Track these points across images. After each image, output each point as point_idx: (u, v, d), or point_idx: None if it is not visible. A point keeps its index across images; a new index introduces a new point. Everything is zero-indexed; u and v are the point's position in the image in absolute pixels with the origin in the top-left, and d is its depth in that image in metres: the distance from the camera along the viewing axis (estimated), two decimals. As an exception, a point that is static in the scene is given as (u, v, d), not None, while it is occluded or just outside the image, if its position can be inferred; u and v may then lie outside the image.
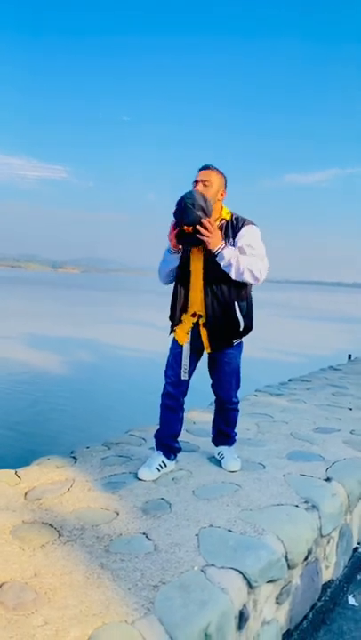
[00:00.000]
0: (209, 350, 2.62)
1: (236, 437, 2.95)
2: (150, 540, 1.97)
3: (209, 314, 2.54)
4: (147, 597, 1.60)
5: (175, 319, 2.66)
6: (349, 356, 8.99)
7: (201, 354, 2.71)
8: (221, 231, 2.50)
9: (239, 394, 2.87)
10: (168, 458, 2.69)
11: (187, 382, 2.68)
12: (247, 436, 3.39)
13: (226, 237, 2.50)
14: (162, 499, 2.36)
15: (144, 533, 2.02)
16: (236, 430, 2.93)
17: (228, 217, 2.56)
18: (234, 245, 2.49)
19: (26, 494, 2.34)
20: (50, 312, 27.04)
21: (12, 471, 2.60)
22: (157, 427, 2.77)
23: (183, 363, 2.62)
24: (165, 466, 2.66)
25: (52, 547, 1.88)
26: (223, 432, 2.88)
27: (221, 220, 2.55)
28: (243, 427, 3.62)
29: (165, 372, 2.71)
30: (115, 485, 2.47)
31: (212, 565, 1.79)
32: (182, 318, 2.64)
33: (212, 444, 2.98)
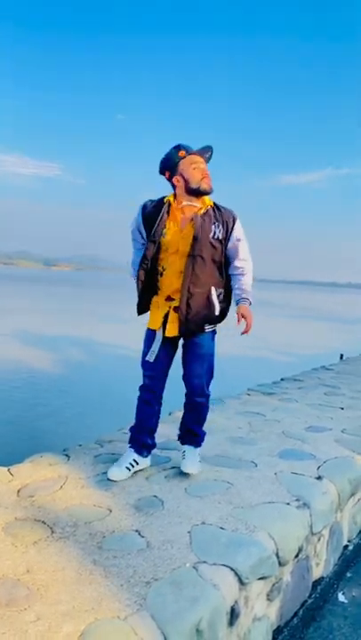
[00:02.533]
0: (176, 333, 2.52)
1: (205, 438, 2.77)
2: (143, 536, 1.98)
3: (184, 297, 2.45)
4: (139, 594, 1.61)
5: (143, 304, 2.61)
6: (341, 356, 9.05)
7: (176, 346, 2.64)
8: (208, 217, 2.50)
9: (212, 387, 2.72)
10: (140, 455, 2.61)
11: (164, 375, 2.62)
12: (239, 435, 3.41)
13: (213, 222, 2.50)
14: (154, 496, 2.37)
15: (137, 530, 2.03)
16: (204, 429, 2.76)
17: (211, 203, 2.56)
18: (228, 235, 2.54)
19: (18, 491, 2.34)
20: (42, 309, 26.95)
21: (5, 468, 2.60)
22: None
23: (153, 348, 2.55)
24: (137, 464, 2.59)
25: (44, 543, 1.89)
26: (192, 431, 2.71)
27: (208, 207, 2.53)
28: (235, 425, 3.64)
29: (142, 364, 2.62)
30: (107, 483, 2.48)
31: (204, 562, 1.80)
32: (154, 302, 2.60)
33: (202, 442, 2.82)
